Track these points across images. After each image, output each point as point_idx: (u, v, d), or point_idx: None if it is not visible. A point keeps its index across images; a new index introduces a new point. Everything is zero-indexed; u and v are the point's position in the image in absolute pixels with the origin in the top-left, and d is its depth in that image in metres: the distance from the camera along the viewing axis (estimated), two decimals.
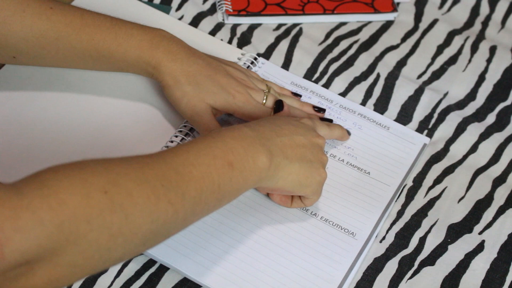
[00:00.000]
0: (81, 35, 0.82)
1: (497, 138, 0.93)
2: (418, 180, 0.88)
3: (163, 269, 0.79)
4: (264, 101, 0.87)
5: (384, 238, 0.83)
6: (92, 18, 0.83)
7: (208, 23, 1.01)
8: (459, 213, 0.86)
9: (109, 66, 0.85)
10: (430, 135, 0.92)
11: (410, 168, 0.88)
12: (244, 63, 0.95)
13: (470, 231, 0.85)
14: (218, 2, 1.02)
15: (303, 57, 0.98)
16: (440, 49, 1.01)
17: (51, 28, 0.81)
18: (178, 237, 0.79)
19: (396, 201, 0.86)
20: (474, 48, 1.02)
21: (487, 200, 0.87)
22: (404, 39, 1.02)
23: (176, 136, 0.87)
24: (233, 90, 0.85)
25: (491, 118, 0.95)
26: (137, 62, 0.84)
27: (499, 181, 0.89)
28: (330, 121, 0.90)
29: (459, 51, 1.01)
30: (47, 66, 0.86)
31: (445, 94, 0.97)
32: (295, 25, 1.02)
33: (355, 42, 1.01)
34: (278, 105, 0.86)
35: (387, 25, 1.03)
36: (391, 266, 0.81)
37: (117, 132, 0.87)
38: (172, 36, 0.86)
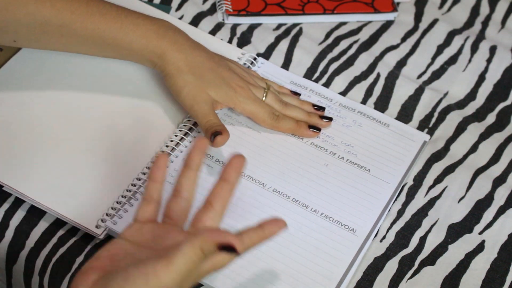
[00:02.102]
0: (87, 23, 0.81)
1: (497, 138, 0.93)
2: (419, 179, 0.88)
3: None
4: (264, 98, 0.87)
5: (384, 237, 0.83)
6: (97, 6, 0.82)
7: (208, 23, 1.01)
8: (459, 213, 0.86)
9: (112, 54, 0.85)
10: (430, 134, 0.92)
11: (410, 166, 0.88)
12: (244, 63, 0.95)
13: (470, 231, 0.84)
14: (218, 2, 1.02)
15: (303, 57, 0.98)
16: (440, 49, 1.01)
17: (56, 15, 0.80)
18: None
19: (396, 199, 0.86)
20: (474, 48, 1.02)
21: (487, 200, 0.87)
22: (404, 39, 1.02)
23: (176, 136, 0.87)
24: (235, 84, 0.86)
25: (491, 118, 0.95)
26: (142, 51, 0.84)
27: (499, 181, 0.89)
28: (330, 119, 0.90)
29: (459, 51, 1.01)
30: (47, 49, 0.85)
31: (445, 94, 0.97)
32: (295, 25, 1.02)
33: (355, 42, 1.01)
34: (216, 135, 0.82)
35: (387, 25, 1.03)
36: (391, 266, 0.81)
37: (117, 131, 0.87)
38: (176, 27, 0.86)
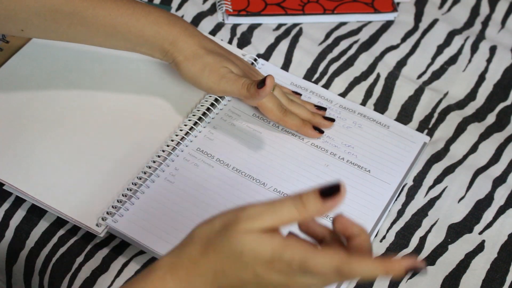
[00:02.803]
0: (98, 10, 0.81)
1: (497, 138, 0.93)
2: (419, 180, 0.88)
3: None
4: (272, 90, 0.87)
5: (384, 237, 0.83)
6: None
7: (208, 23, 1.01)
8: (459, 213, 0.86)
9: (122, 43, 0.84)
10: (430, 134, 0.92)
11: (410, 167, 0.88)
12: None
13: (470, 231, 0.85)
14: (218, 2, 1.02)
15: (303, 57, 0.98)
16: (440, 49, 1.01)
17: (66, 2, 0.80)
18: (177, 233, 0.79)
19: (396, 200, 0.86)
20: (474, 48, 1.02)
21: (487, 200, 0.87)
22: (404, 39, 1.02)
23: (177, 135, 0.87)
24: (247, 71, 0.86)
25: (491, 118, 0.95)
26: (154, 38, 0.84)
27: (499, 181, 0.89)
28: (332, 120, 0.90)
29: (459, 51, 1.01)
30: (55, 39, 0.85)
31: (445, 94, 0.97)
32: (295, 25, 1.02)
33: (355, 42, 1.01)
34: (263, 81, 0.79)
35: (387, 25, 1.03)
36: None
37: (118, 129, 0.87)
38: (184, 19, 0.87)
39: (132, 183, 0.82)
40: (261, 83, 0.79)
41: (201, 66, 0.84)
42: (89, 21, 0.81)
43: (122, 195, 0.81)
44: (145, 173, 0.83)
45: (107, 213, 0.80)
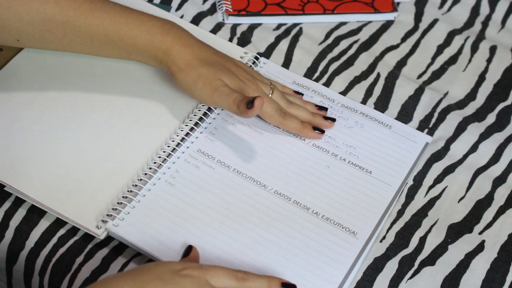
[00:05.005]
0: (91, 19, 0.81)
1: (497, 138, 0.93)
2: (419, 179, 0.88)
3: None
4: (270, 94, 0.87)
5: (384, 237, 0.83)
6: (101, 3, 0.82)
7: (208, 23, 1.01)
8: (459, 213, 0.86)
9: (116, 52, 0.85)
10: (430, 134, 0.92)
11: (411, 167, 0.87)
12: (246, 63, 0.95)
13: (470, 231, 0.85)
14: (218, 2, 1.02)
15: (303, 57, 0.98)
16: (440, 49, 1.01)
17: (59, 12, 0.80)
18: (177, 237, 0.79)
19: (397, 200, 0.86)
20: (474, 48, 1.02)
21: (487, 200, 0.87)
22: (404, 39, 1.02)
23: (177, 136, 0.87)
24: (244, 77, 0.86)
25: (491, 118, 0.95)
26: (147, 47, 0.84)
27: (499, 181, 0.89)
28: (333, 120, 0.90)
29: (459, 51, 1.01)
30: (51, 49, 0.85)
31: (445, 94, 0.97)
32: (295, 25, 1.02)
33: (355, 42, 1.01)
34: (252, 101, 0.80)
35: (387, 25, 1.03)
36: (391, 266, 0.81)
37: (118, 131, 0.87)
38: (180, 26, 0.86)
39: (133, 185, 0.82)
40: (250, 103, 0.79)
41: (195, 77, 0.84)
42: (82, 30, 0.81)
43: (123, 196, 0.81)
44: (145, 174, 0.83)
45: (108, 215, 0.80)
